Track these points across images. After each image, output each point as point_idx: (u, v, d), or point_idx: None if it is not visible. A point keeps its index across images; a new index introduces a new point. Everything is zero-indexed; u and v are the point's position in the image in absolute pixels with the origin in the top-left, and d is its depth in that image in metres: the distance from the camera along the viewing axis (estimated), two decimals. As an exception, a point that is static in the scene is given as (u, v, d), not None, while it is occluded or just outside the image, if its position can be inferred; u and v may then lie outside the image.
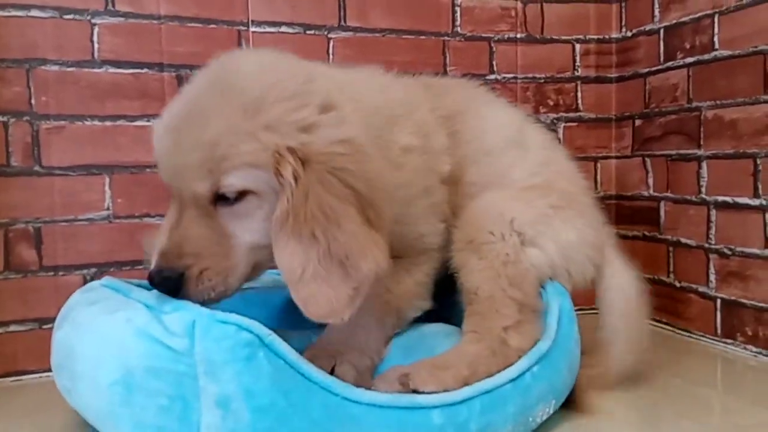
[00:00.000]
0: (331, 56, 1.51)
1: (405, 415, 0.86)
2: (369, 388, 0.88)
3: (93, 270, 1.35)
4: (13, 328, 1.31)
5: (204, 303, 0.86)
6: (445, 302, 1.14)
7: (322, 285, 0.82)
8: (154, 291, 0.92)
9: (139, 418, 0.81)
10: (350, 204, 0.83)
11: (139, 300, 0.91)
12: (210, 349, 0.79)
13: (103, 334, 0.89)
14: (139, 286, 1.09)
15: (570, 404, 1.07)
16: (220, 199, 0.85)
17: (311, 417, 0.81)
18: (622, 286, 1.20)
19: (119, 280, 1.10)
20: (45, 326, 1.32)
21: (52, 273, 1.33)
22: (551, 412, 1.01)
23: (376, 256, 0.82)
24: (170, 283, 0.85)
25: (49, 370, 1.24)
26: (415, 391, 0.89)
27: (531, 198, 1.10)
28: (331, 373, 0.87)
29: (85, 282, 1.34)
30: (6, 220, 1.30)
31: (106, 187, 1.35)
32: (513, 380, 0.94)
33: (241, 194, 0.85)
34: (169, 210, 0.89)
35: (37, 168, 1.31)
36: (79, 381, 0.91)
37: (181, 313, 0.82)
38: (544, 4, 1.70)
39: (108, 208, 1.36)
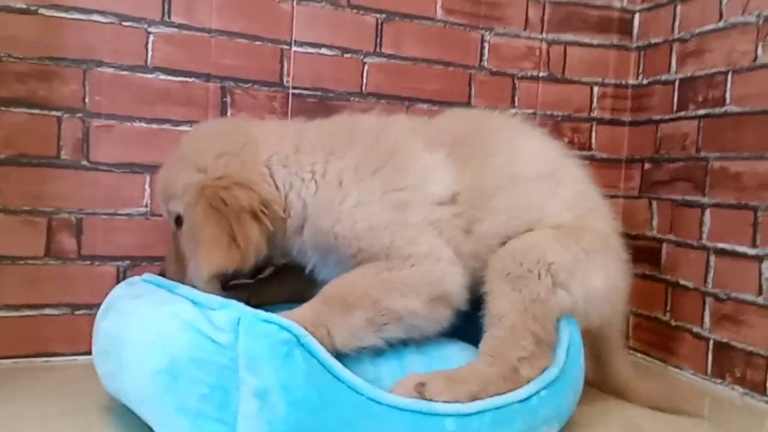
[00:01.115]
0: (364, 79, 1.60)
1: (421, 419, 0.94)
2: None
3: (127, 262, 1.43)
4: (47, 311, 1.38)
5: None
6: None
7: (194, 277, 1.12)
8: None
9: (181, 403, 0.89)
10: (210, 221, 1.08)
11: (186, 296, 0.99)
12: (252, 345, 0.87)
13: (151, 325, 0.97)
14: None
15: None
16: (177, 222, 1.17)
17: (339, 413, 0.89)
18: None
19: (159, 277, 1.19)
20: (77, 312, 1.39)
21: (88, 262, 1.41)
22: (554, 432, 1.09)
23: (214, 260, 1.06)
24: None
25: (78, 354, 1.34)
26: (428, 400, 0.97)
27: (568, 240, 1.16)
28: None
29: (119, 273, 1.42)
30: (51, 209, 1.37)
31: (146, 186, 1.43)
32: (521, 401, 1.02)
33: (179, 218, 1.16)
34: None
35: (84, 162, 1.39)
36: (126, 367, 0.99)
37: (228, 311, 0.90)
38: (567, 46, 1.79)
39: (146, 205, 1.44)
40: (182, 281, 1.12)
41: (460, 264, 1.10)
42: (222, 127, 1.25)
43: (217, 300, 0.94)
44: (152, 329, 0.96)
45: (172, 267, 1.20)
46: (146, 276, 1.17)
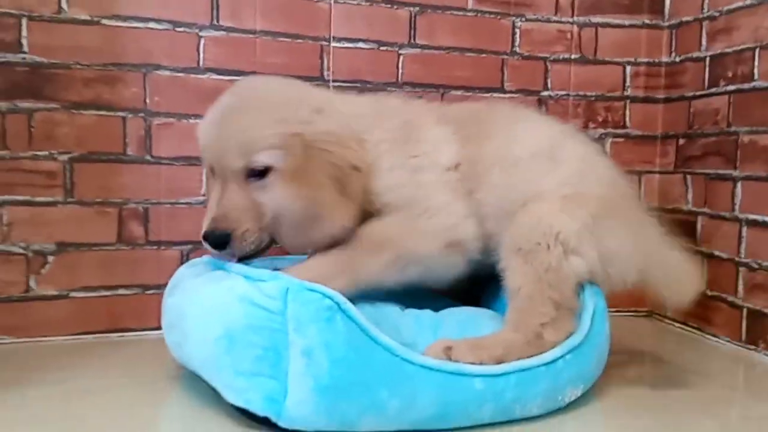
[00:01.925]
0: (400, 70, 1.69)
1: (451, 378, 1.02)
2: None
3: (189, 246, 1.56)
4: (120, 291, 1.53)
5: (245, 256, 1.17)
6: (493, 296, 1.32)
7: (301, 230, 1.15)
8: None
9: (238, 365, 1.00)
10: (329, 176, 1.14)
11: (239, 273, 1.11)
12: (299, 311, 0.97)
13: (210, 299, 1.09)
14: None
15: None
16: (251, 174, 1.14)
17: (375, 370, 0.98)
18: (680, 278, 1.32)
19: (216, 259, 1.31)
20: (147, 291, 1.53)
21: (155, 247, 1.55)
22: (579, 394, 1.16)
23: (341, 215, 1.14)
24: (221, 240, 1.13)
25: (149, 329, 1.48)
26: (454, 362, 1.06)
27: (573, 209, 1.20)
28: None
29: (183, 256, 1.55)
30: (120, 200, 1.52)
31: (203, 177, 1.56)
32: (546, 364, 1.09)
33: (266, 170, 1.13)
34: (214, 186, 1.18)
35: (147, 157, 1.53)
36: (189, 337, 1.12)
37: (277, 282, 1.01)
38: (598, 28, 1.84)
39: (204, 195, 1.57)
40: (250, 235, 1.14)
41: (471, 216, 1.22)
42: (293, 84, 1.29)
43: (267, 273, 1.05)
44: (211, 302, 1.07)
45: (238, 221, 1.13)
46: (206, 258, 1.30)
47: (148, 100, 1.53)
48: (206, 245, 1.15)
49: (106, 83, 1.49)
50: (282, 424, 0.99)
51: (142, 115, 1.52)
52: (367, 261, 1.14)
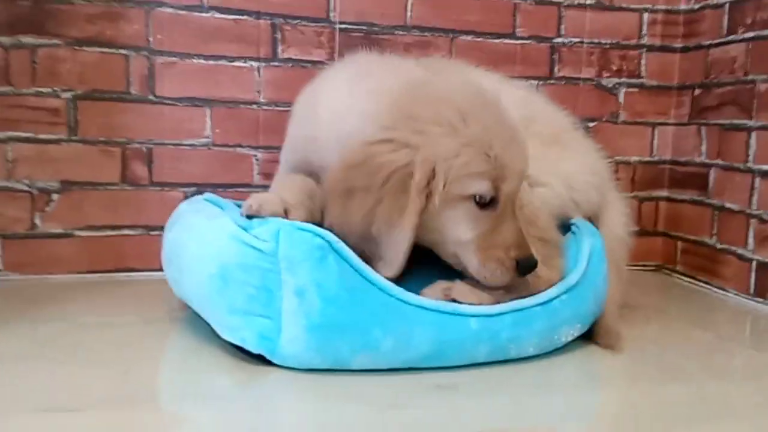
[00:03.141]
0: (408, 12, 1.65)
1: (447, 318, 1.01)
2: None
3: (193, 189, 1.56)
4: (125, 231, 1.54)
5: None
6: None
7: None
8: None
9: (231, 303, 1.00)
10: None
11: (231, 218, 1.08)
12: (291, 250, 0.97)
13: (205, 236, 1.08)
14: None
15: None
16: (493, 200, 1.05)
17: (369, 309, 0.98)
18: (612, 229, 1.31)
19: (217, 196, 1.31)
20: (152, 232, 1.54)
21: (159, 188, 1.55)
22: (576, 334, 1.15)
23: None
24: (534, 265, 1.07)
25: (153, 270, 1.49)
26: (454, 301, 1.05)
27: None
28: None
29: (186, 197, 1.54)
30: (124, 140, 1.52)
31: (207, 118, 1.55)
32: (542, 304, 1.08)
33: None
34: (502, 217, 1.06)
35: (151, 97, 1.52)
36: (185, 273, 1.12)
37: (269, 225, 1.00)
38: (616, -28, 1.78)
39: (208, 137, 1.56)
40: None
41: None
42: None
43: (257, 221, 1.03)
44: (205, 239, 1.07)
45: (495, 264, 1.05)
46: (206, 195, 1.29)
47: (150, 38, 1.51)
48: (511, 276, 1.05)
49: (108, 19, 1.48)
50: (276, 361, 1.00)
51: (145, 53, 1.51)
52: None
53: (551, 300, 1.09)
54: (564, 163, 1.21)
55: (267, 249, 0.98)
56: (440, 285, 1.08)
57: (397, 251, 1.01)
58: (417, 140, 1.00)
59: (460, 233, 1.04)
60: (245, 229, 1.02)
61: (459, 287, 1.07)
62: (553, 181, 1.19)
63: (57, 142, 1.47)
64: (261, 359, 1.01)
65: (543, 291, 1.10)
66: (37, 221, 1.47)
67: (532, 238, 1.11)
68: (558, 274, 1.13)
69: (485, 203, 1.03)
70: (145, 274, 1.53)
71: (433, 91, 1.06)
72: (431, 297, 1.05)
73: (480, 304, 1.06)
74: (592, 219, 1.28)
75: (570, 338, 1.14)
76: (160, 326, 1.21)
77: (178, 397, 0.95)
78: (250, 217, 1.05)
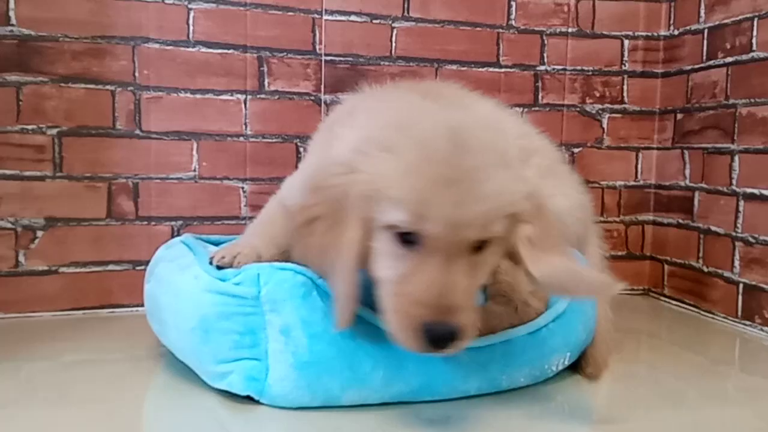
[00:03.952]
0: (393, 44, 1.67)
1: None
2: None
3: (180, 222, 1.56)
4: (111, 267, 1.52)
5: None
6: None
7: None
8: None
9: (216, 353, 0.99)
10: (560, 240, 1.01)
11: (202, 267, 1.06)
12: (274, 291, 0.97)
13: (179, 289, 1.07)
14: (209, 242, 1.32)
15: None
16: (476, 247, 0.91)
17: (357, 343, 0.97)
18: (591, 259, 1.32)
19: (194, 237, 1.30)
20: (138, 267, 1.52)
21: (146, 222, 1.54)
22: (567, 363, 1.15)
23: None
24: (448, 336, 0.86)
25: (139, 305, 1.47)
26: None
27: (521, 174, 1.21)
28: None
29: (173, 231, 1.55)
30: (110, 175, 1.51)
31: (194, 152, 1.55)
32: (530, 333, 1.08)
33: (488, 240, 0.92)
34: (426, 261, 0.88)
35: (137, 132, 1.52)
36: (166, 326, 1.11)
37: (246, 272, 1.00)
38: (596, 1, 1.81)
39: (194, 170, 1.56)
40: (474, 329, 0.91)
41: None
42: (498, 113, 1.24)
43: (232, 271, 1.03)
44: (181, 294, 1.06)
45: (467, 311, 0.88)
46: (184, 236, 1.28)
47: (137, 74, 1.51)
48: (422, 343, 0.86)
49: (94, 56, 1.48)
50: (264, 401, 0.99)
51: (131, 88, 1.51)
52: None
53: (539, 329, 1.09)
54: (558, 199, 1.21)
55: (248, 294, 0.98)
56: None
57: (342, 291, 0.90)
58: (361, 163, 0.91)
59: (377, 268, 0.91)
60: (222, 280, 1.02)
61: None
62: None
63: (42, 179, 1.46)
64: (249, 399, 1.00)
65: (531, 320, 1.10)
66: (21, 259, 1.46)
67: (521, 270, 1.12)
68: (544, 306, 1.13)
69: (408, 240, 0.88)
70: (131, 309, 1.52)
71: (407, 119, 0.95)
72: None
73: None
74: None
75: (561, 367, 1.14)
76: (146, 363, 1.19)
77: (167, 437, 0.93)
78: (220, 267, 1.04)
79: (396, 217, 0.87)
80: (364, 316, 0.98)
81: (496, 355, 1.05)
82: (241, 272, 1.01)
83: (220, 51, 1.55)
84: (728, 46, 1.61)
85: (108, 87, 1.49)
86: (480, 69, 1.74)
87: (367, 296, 0.97)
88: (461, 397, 1.04)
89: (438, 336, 0.85)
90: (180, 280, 1.08)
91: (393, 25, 1.67)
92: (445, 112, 0.99)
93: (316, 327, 0.97)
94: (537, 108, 1.79)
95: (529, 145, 1.28)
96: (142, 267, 1.50)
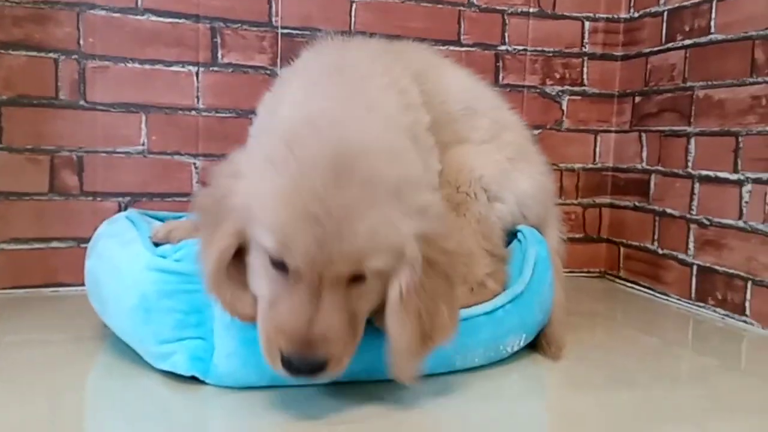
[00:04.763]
0: (353, 18, 1.63)
1: None
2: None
3: (127, 198, 1.50)
4: (54, 244, 1.46)
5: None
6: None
7: (411, 355, 0.89)
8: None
9: (159, 333, 0.96)
10: (450, 283, 0.90)
11: (144, 244, 1.04)
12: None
13: (119, 266, 1.03)
14: (155, 218, 1.27)
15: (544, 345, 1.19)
16: (353, 279, 0.86)
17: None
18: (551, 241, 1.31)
19: (138, 212, 1.25)
20: (83, 245, 1.45)
21: (91, 198, 1.48)
22: (522, 344, 1.14)
23: (449, 331, 0.91)
24: (315, 367, 0.84)
25: (83, 284, 1.41)
26: None
27: (490, 152, 1.23)
28: None
29: (120, 208, 1.49)
30: (52, 148, 1.44)
31: (143, 125, 1.49)
32: (487, 313, 1.07)
33: (362, 276, 0.86)
34: (294, 290, 0.84)
35: (82, 102, 1.45)
36: (106, 305, 1.07)
37: (185, 248, 0.97)
38: (558, -19, 1.80)
39: (143, 144, 1.50)
40: (348, 359, 0.87)
41: None
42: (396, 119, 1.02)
43: (172, 247, 1.01)
44: (121, 271, 1.02)
45: (337, 342, 0.84)
46: (128, 212, 1.23)
47: (82, 42, 1.44)
48: (283, 370, 0.84)
49: (37, 22, 1.41)
50: (210, 381, 0.95)
51: (75, 57, 1.44)
52: None
53: (496, 309, 1.08)
54: (522, 181, 1.23)
55: (190, 271, 0.94)
56: None
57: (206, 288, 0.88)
58: (247, 172, 0.87)
59: (252, 283, 0.89)
60: (163, 257, 0.98)
61: None
62: (510, 198, 1.21)
63: (-21, 150, 1.39)
64: (194, 379, 0.96)
65: (488, 300, 1.09)
66: (-42, 234, 1.39)
67: (484, 252, 1.13)
68: (502, 287, 1.13)
69: (280, 264, 0.84)
70: (75, 289, 1.46)
71: (306, 130, 0.89)
72: None
73: None
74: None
75: (516, 348, 1.13)
76: (89, 344, 1.15)
77: (108, 420, 0.90)
78: (157, 244, 1.00)
79: (265, 242, 0.84)
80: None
81: (453, 335, 1.03)
82: (181, 248, 0.96)
83: (170, 20, 1.49)
84: (687, 29, 1.61)
85: (51, 55, 1.43)
86: (441, 47, 1.70)
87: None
88: (414, 377, 1.02)
89: (297, 368, 0.83)
90: (120, 257, 1.04)
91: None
92: (351, 125, 0.91)
93: (265, 302, 0.93)
94: (497, 88, 1.75)
95: (501, 120, 1.29)
96: (87, 245, 1.44)
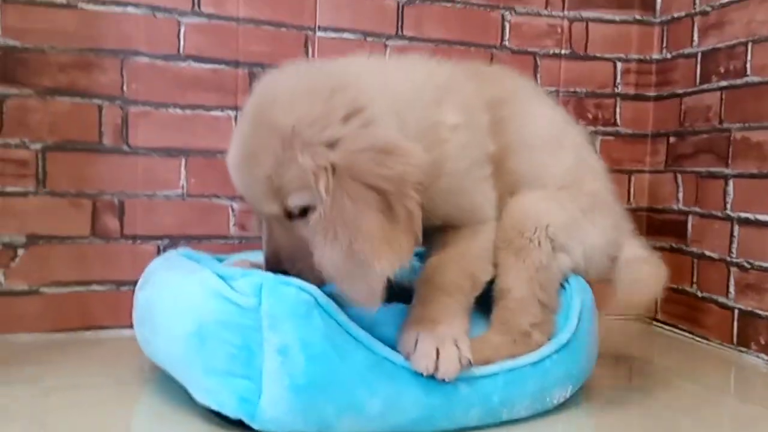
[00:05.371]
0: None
1: (434, 381, 0.96)
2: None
3: (166, 241, 1.51)
4: (94, 287, 1.47)
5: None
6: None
7: (349, 281, 0.92)
8: (224, 263, 1.10)
9: (209, 364, 0.95)
10: (370, 207, 0.91)
11: (211, 269, 1.05)
12: (274, 306, 0.92)
13: (180, 292, 1.03)
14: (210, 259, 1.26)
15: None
16: (291, 216, 0.98)
17: (354, 368, 0.93)
18: (636, 258, 1.30)
19: (193, 250, 1.26)
20: (122, 288, 1.47)
21: (131, 241, 1.49)
22: (568, 395, 1.12)
23: (390, 257, 0.90)
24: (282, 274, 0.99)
25: (123, 327, 1.42)
26: None
27: (563, 200, 1.18)
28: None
29: (159, 251, 1.50)
30: (95, 192, 1.46)
31: (182, 168, 1.51)
32: (533, 363, 1.05)
33: (305, 209, 0.96)
34: (263, 223, 1.06)
35: (124, 147, 1.48)
36: (158, 332, 1.06)
37: (250, 278, 0.96)
38: (589, 23, 1.81)
39: (182, 187, 1.52)
40: (308, 273, 0.98)
41: None
42: (314, 79, 1.02)
43: (239, 271, 1.00)
44: (181, 296, 1.02)
45: (290, 261, 1.01)
46: (182, 249, 1.24)
47: (125, 88, 1.47)
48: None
49: (81, 69, 1.44)
50: (256, 426, 0.94)
51: (119, 102, 1.47)
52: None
53: (543, 360, 1.06)
54: (594, 235, 1.20)
55: (248, 305, 0.93)
56: (424, 345, 0.98)
57: None
58: None
59: None
60: (225, 280, 0.98)
61: (447, 353, 0.97)
62: (578, 251, 1.18)
63: (24, 194, 1.41)
64: (240, 424, 0.95)
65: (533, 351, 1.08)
66: (1, 278, 1.40)
67: (537, 302, 1.10)
68: (547, 339, 1.11)
69: None
70: (115, 332, 1.46)
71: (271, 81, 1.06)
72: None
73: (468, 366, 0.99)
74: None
75: (562, 399, 1.11)
76: (130, 388, 1.15)
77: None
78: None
79: None
80: (364, 343, 0.95)
81: (498, 386, 1.02)
82: (246, 275, 0.97)
83: (211, 66, 1.52)
84: (722, 70, 1.61)
85: (95, 101, 1.45)
86: (474, 89, 1.71)
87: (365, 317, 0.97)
88: (461, 429, 1.00)
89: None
90: (182, 284, 1.04)
91: (386, 42, 1.65)
92: (286, 77, 1.05)
93: (315, 348, 0.92)
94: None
95: (585, 161, 1.29)
96: (127, 287, 1.46)
